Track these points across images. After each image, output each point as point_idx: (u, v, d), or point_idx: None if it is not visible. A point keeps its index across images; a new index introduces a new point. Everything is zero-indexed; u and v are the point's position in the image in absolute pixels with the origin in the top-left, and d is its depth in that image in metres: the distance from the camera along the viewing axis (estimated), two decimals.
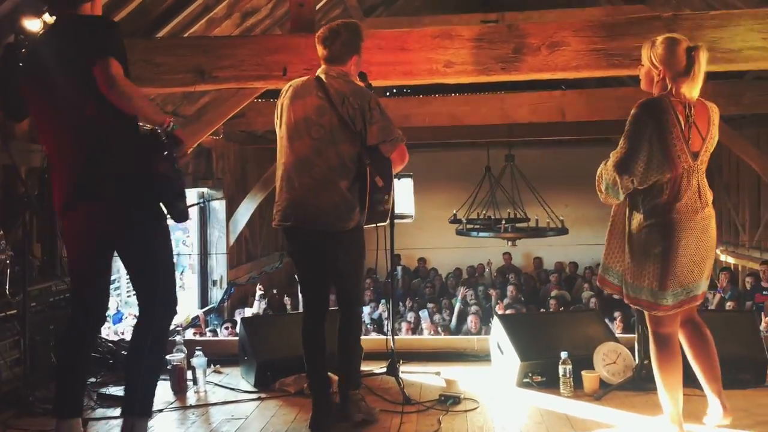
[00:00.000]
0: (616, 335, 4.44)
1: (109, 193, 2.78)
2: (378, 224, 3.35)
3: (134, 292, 3.11)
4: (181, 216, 2.88)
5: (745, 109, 8.51)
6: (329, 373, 3.42)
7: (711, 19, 4.31)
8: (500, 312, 8.94)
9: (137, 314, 2.96)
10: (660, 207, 2.87)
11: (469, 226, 10.31)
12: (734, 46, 4.24)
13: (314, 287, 3.41)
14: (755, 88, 8.50)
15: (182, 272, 18.48)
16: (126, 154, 2.80)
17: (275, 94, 10.09)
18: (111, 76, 2.66)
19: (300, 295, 3.71)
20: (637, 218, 2.94)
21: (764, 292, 9.27)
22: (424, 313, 9.55)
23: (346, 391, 3.34)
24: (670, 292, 2.89)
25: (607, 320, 6.07)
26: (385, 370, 3.95)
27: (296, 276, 3.51)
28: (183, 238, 20.38)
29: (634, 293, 2.98)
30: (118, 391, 3.85)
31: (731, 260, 11.69)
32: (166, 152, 2.81)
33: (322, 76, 3.27)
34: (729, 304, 8.82)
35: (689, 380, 3.09)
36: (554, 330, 4.15)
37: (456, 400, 3.63)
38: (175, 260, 3.12)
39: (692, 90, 2.87)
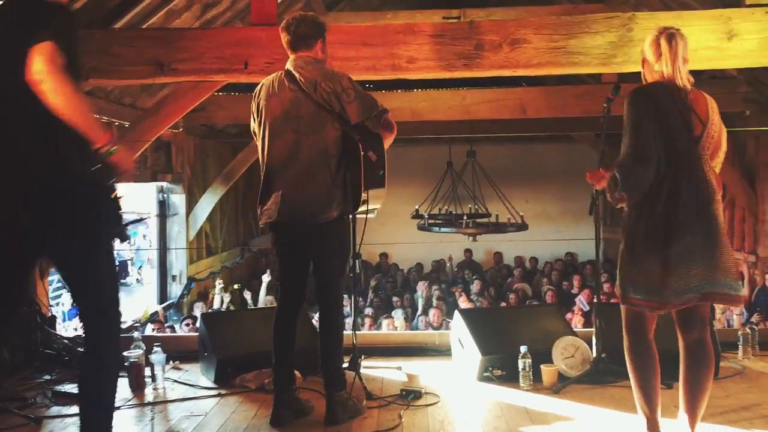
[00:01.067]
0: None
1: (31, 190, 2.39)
2: (371, 209, 3.28)
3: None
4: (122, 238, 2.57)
5: None
6: (294, 370, 3.40)
7: (668, 19, 4.40)
8: (465, 306, 9.01)
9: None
10: (657, 196, 2.72)
11: (430, 222, 10.35)
12: (690, 45, 4.32)
13: (294, 280, 3.39)
14: (710, 87, 8.69)
15: (140, 267, 18.26)
16: (51, 153, 2.40)
17: (236, 87, 9.94)
18: (42, 64, 2.28)
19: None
20: (634, 211, 2.79)
21: None
22: (397, 313, 9.53)
23: (332, 393, 3.29)
24: (652, 288, 2.73)
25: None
26: (346, 365, 3.95)
27: (278, 268, 3.44)
28: (143, 231, 20.14)
29: (625, 291, 2.83)
30: (73, 388, 3.77)
31: None
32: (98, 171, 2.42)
33: (291, 68, 3.24)
34: None
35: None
36: (514, 325, 4.20)
37: (417, 394, 3.65)
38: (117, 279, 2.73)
39: (675, 73, 2.78)
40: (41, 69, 2.29)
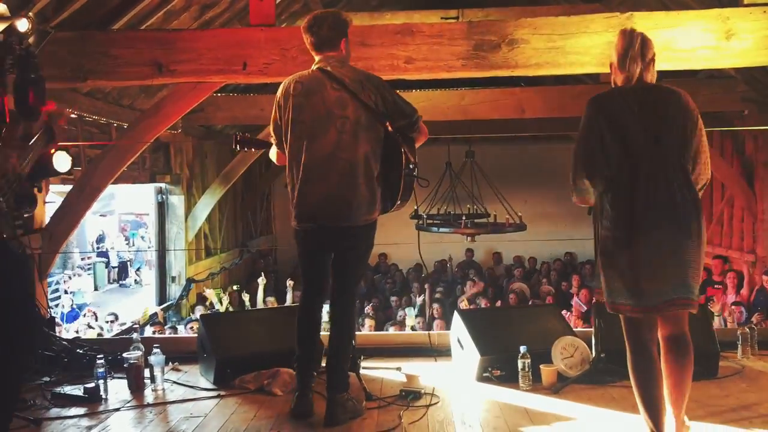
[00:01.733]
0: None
1: None
2: (402, 207, 3.36)
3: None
4: None
5: (698, 108, 8.70)
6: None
7: (666, 19, 4.40)
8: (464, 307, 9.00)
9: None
10: (618, 200, 2.76)
11: (428, 222, 10.35)
12: (688, 45, 4.34)
13: (320, 277, 3.38)
14: (708, 87, 8.70)
15: (139, 269, 18.26)
16: None
17: (235, 88, 9.90)
18: None
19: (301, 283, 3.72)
20: (602, 216, 2.84)
21: (716, 286, 9.51)
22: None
23: (334, 395, 3.27)
24: (628, 290, 2.76)
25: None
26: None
27: (302, 266, 3.43)
28: (141, 233, 20.15)
29: (605, 295, 2.88)
30: (73, 390, 3.78)
31: None
32: None
33: (327, 68, 3.23)
34: None
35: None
36: (513, 325, 4.20)
37: (417, 395, 3.64)
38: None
39: (630, 70, 2.81)
40: None
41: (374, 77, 3.28)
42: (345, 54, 3.31)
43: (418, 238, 3.65)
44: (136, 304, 13.29)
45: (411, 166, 3.26)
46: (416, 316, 9.35)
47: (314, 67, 3.28)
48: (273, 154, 3.44)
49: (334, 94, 3.18)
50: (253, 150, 3.59)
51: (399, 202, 3.29)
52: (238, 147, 3.53)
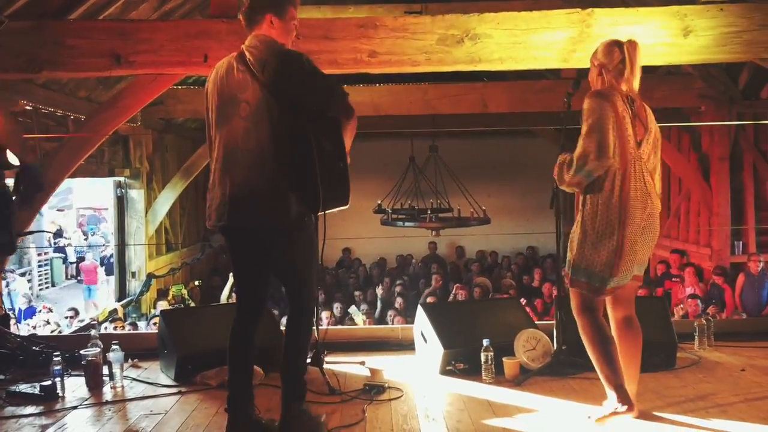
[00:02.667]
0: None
1: None
2: (337, 207, 2.84)
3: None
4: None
5: (656, 104, 8.80)
6: (255, 366, 3.15)
7: (626, 15, 4.47)
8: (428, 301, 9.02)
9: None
10: (610, 192, 3.00)
11: (393, 216, 10.36)
12: (647, 41, 4.40)
13: (251, 288, 3.01)
14: (666, 83, 8.87)
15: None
16: None
17: (196, 81, 9.76)
18: None
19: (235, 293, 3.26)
20: (589, 204, 3.06)
21: (673, 279, 9.70)
22: (353, 309, 9.52)
23: (289, 403, 2.92)
24: (615, 277, 3.02)
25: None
26: (309, 360, 3.93)
27: (234, 274, 3.09)
28: (95, 228, 19.74)
29: (578, 275, 3.09)
30: (28, 388, 3.69)
31: None
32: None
33: (244, 48, 2.89)
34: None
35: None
36: (476, 318, 4.22)
37: (380, 389, 3.64)
38: None
39: (630, 82, 3.06)
40: None
41: (286, 55, 2.81)
42: (271, 32, 2.86)
43: (324, 223, 3.16)
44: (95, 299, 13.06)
45: (334, 160, 2.78)
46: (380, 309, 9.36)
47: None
48: None
49: (238, 76, 2.81)
50: None
51: (324, 201, 2.77)
52: None
